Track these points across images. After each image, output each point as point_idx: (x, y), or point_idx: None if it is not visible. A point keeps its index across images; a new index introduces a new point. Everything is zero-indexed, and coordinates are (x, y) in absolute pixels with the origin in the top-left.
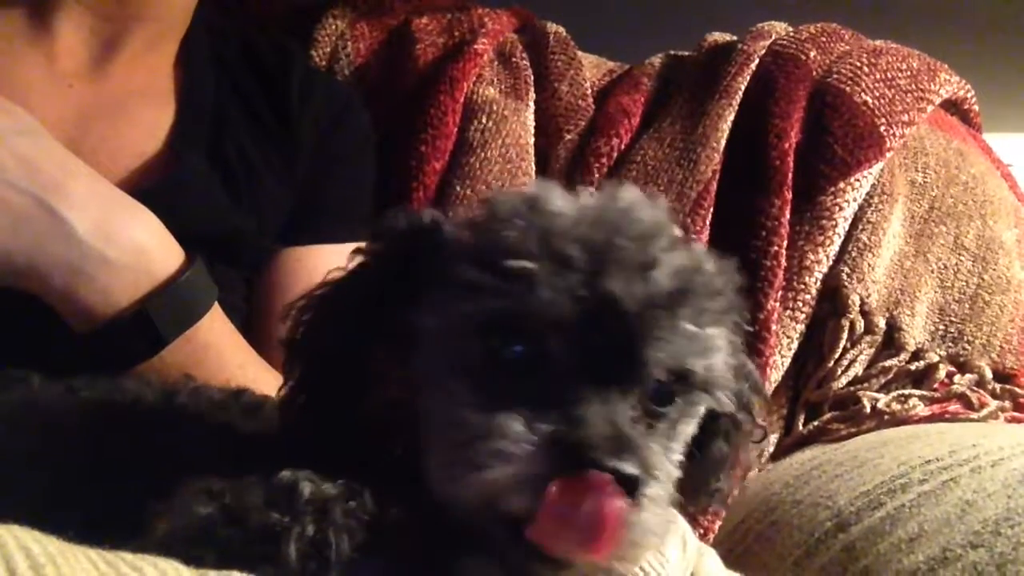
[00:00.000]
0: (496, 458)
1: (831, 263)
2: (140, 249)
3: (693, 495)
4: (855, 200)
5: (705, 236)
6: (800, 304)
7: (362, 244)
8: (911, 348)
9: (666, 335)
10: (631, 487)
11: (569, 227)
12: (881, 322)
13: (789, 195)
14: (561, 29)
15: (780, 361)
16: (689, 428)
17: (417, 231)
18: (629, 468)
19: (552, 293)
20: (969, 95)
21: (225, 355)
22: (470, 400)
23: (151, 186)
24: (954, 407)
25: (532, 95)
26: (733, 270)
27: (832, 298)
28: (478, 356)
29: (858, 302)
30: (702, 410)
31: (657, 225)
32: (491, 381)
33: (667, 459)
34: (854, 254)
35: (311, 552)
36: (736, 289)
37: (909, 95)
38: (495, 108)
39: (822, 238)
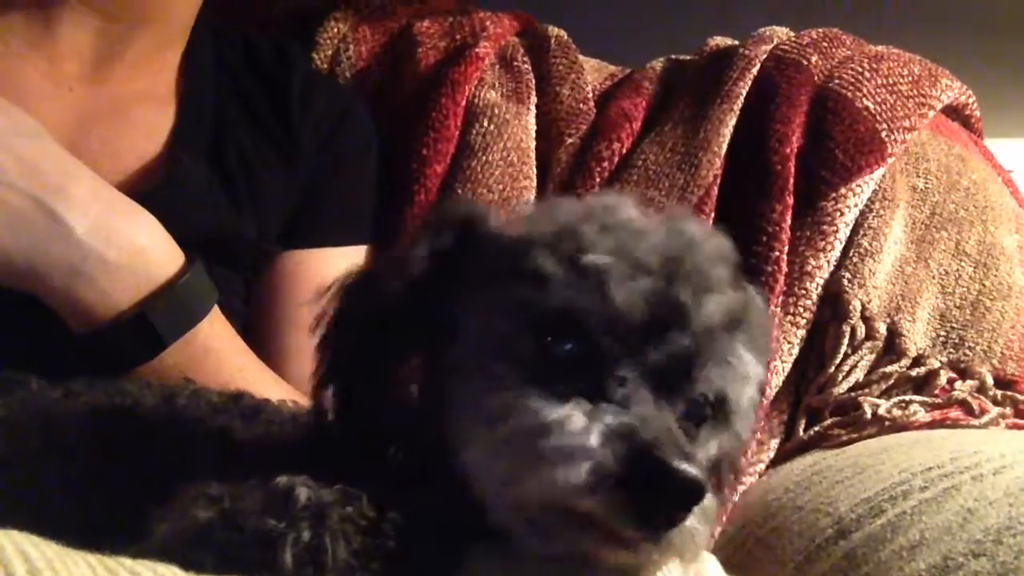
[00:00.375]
0: (561, 456)
1: (832, 268)
2: (140, 251)
3: None
4: (856, 205)
5: None
6: (801, 309)
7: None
8: (912, 354)
9: (724, 356)
10: (697, 492)
11: (646, 234)
12: (882, 328)
13: (790, 200)
14: (562, 33)
15: (781, 366)
16: (708, 455)
17: (473, 221)
18: (697, 473)
19: (624, 294)
20: (970, 100)
21: (225, 358)
22: (522, 388)
23: (151, 189)
24: (955, 413)
25: (533, 99)
26: (773, 313)
27: (833, 303)
28: (529, 348)
29: (859, 308)
30: (718, 440)
31: (724, 251)
32: (541, 373)
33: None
34: (855, 259)
35: (307, 558)
36: (772, 331)
37: (910, 101)
38: (496, 112)
39: (823, 243)
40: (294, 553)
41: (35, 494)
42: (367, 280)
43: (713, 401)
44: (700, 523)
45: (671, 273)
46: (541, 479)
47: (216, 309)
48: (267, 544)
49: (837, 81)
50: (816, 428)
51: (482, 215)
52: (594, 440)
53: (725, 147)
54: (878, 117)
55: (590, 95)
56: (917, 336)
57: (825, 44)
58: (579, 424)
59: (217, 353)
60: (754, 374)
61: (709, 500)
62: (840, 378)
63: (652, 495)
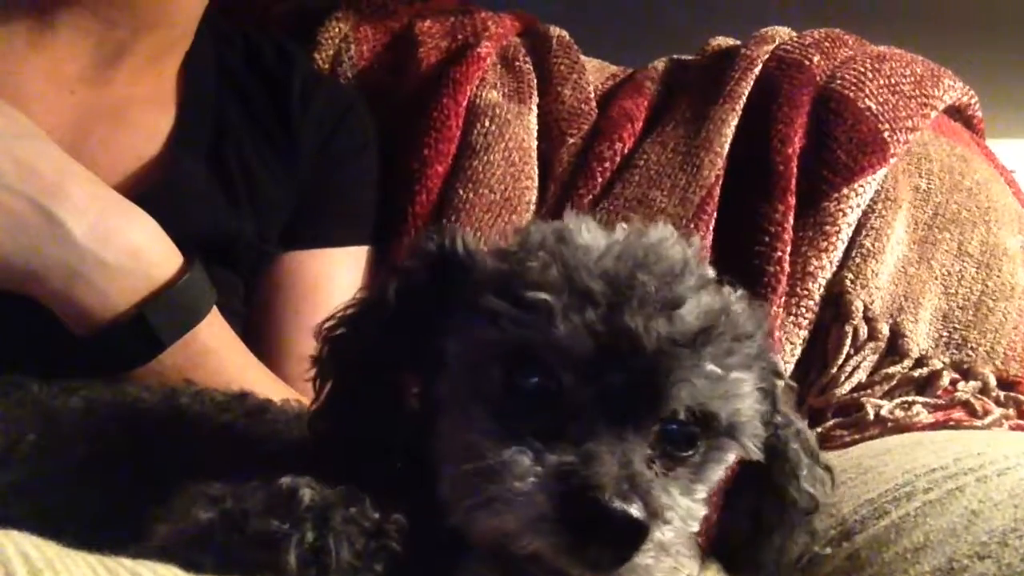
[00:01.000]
0: (503, 501)
1: (834, 269)
2: (138, 252)
3: (748, 568)
4: (859, 206)
5: (709, 241)
6: (803, 310)
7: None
8: (915, 355)
9: (687, 375)
10: (638, 531)
11: (593, 261)
12: (884, 328)
13: (792, 200)
14: (564, 33)
15: (783, 367)
16: (715, 475)
17: (447, 256)
18: (635, 512)
19: (569, 327)
20: (972, 101)
21: (224, 359)
22: (486, 427)
23: (150, 190)
24: (958, 414)
25: (535, 99)
26: (765, 315)
27: (835, 304)
28: (497, 384)
29: (861, 308)
30: (730, 457)
31: (685, 263)
32: (508, 410)
33: (686, 504)
34: (858, 260)
35: (310, 559)
36: (767, 334)
37: (913, 101)
38: (498, 111)
39: (825, 244)
40: (298, 554)
41: (34, 492)
42: (350, 322)
43: (697, 419)
44: (657, 558)
45: (618, 299)
46: (490, 522)
47: (215, 310)
48: (270, 545)
49: (839, 81)
50: (818, 429)
51: (454, 249)
52: (531, 485)
53: (727, 147)
54: (880, 117)
55: (592, 95)
56: (920, 337)
57: (827, 44)
58: (521, 468)
59: (217, 354)
60: (740, 386)
61: (669, 533)
62: (842, 379)
63: (593, 536)
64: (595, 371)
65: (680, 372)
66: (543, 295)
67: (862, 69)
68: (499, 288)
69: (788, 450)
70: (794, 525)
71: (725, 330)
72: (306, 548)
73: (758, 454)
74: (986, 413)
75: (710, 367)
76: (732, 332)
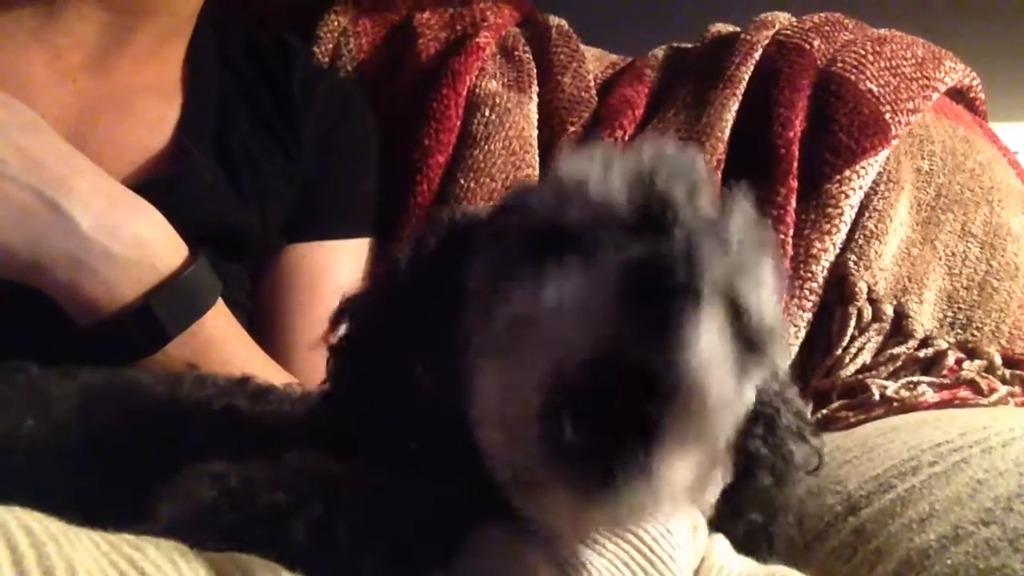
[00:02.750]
0: (552, 306)
1: (838, 251)
2: (143, 244)
3: (741, 532)
4: (861, 188)
5: None
6: (807, 293)
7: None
8: (919, 335)
9: (719, 248)
10: (700, 287)
11: (622, 154)
12: (889, 309)
13: (795, 183)
14: (563, 22)
15: (788, 350)
16: (749, 389)
17: (457, 226)
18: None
19: (605, 188)
20: (974, 83)
21: (229, 350)
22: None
23: (157, 179)
24: (963, 393)
25: (535, 88)
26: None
27: (839, 286)
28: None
29: (865, 290)
30: (757, 374)
31: (694, 161)
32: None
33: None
34: (861, 242)
35: (316, 534)
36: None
37: (914, 83)
38: (498, 101)
39: (828, 226)
40: (304, 529)
41: (35, 478)
42: (361, 297)
43: (729, 311)
44: (722, 346)
45: (652, 172)
46: (534, 343)
47: (220, 302)
48: (277, 520)
49: (840, 64)
50: (824, 411)
51: (466, 216)
52: (584, 279)
53: (728, 132)
54: (882, 99)
55: (592, 84)
56: (924, 317)
57: (827, 28)
58: (567, 279)
59: (222, 345)
60: (764, 274)
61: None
62: (847, 360)
63: (656, 303)
64: (631, 240)
65: (712, 245)
66: (580, 163)
67: (863, 52)
68: (531, 185)
69: (781, 408)
70: (793, 482)
71: (747, 220)
72: (312, 523)
73: (786, 371)
74: (992, 391)
75: (739, 237)
76: (753, 225)
